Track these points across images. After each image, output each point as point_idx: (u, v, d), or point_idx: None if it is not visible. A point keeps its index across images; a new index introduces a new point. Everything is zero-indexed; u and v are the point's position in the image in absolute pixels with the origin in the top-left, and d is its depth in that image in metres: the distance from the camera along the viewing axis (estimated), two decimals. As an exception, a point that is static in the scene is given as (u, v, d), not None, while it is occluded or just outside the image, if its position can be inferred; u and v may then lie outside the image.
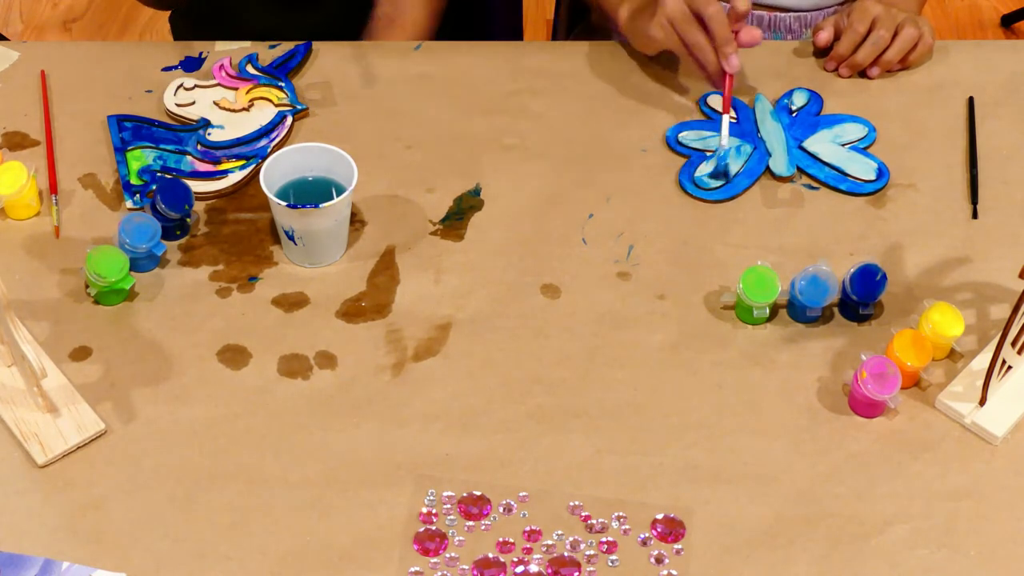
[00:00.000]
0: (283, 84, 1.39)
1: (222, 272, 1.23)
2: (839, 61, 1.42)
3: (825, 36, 1.43)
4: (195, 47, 1.44)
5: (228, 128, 1.35)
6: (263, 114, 1.37)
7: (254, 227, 1.27)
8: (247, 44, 1.45)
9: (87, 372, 1.15)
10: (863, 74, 1.43)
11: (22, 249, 1.25)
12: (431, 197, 1.30)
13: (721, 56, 1.32)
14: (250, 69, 1.41)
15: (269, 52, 1.44)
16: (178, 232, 1.26)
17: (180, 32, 1.69)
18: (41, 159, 1.32)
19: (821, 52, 1.45)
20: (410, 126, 1.37)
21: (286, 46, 1.44)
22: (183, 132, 1.35)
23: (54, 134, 1.35)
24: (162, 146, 1.33)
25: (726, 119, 1.33)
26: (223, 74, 1.40)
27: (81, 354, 1.16)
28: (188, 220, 1.25)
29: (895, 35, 1.40)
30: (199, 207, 1.28)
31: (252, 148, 1.34)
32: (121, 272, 1.18)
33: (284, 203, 1.18)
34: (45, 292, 1.21)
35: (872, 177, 1.31)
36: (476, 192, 1.31)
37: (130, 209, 1.27)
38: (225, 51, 1.44)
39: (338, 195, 1.20)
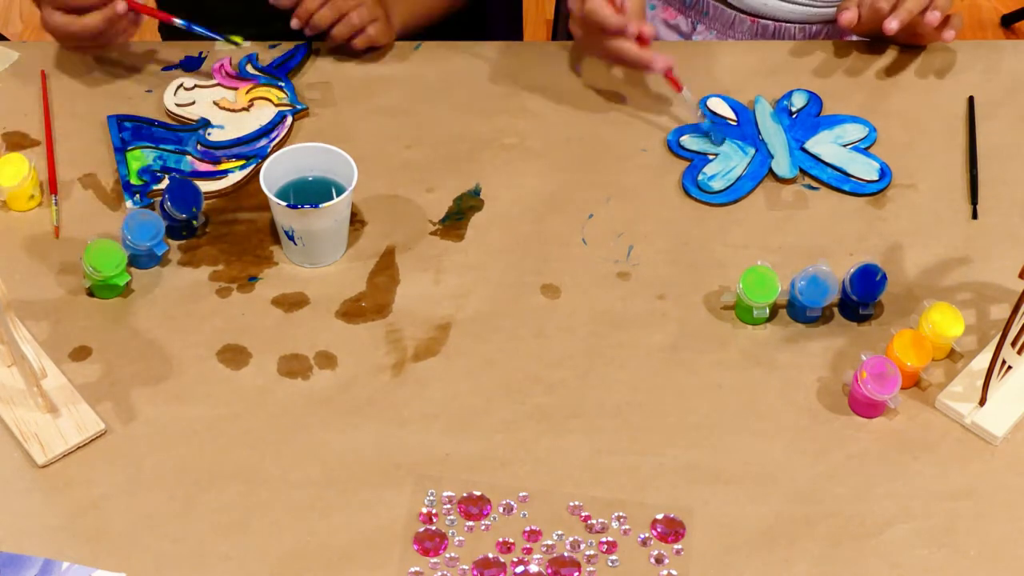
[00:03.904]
0: (283, 84, 1.39)
1: (222, 272, 1.23)
2: (859, 7, 1.36)
3: (850, 15, 1.36)
4: (195, 47, 1.44)
5: (228, 128, 1.35)
6: (263, 114, 1.37)
7: (254, 227, 1.27)
8: (247, 44, 1.44)
9: (87, 372, 1.15)
10: (890, 47, 1.40)
11: (22, 249, 1.25)
12: (431, 197, 1.30)
13: (649, 68, 1.32)
14: (250, 69, 1.41)
15: (269, 52, 1.44)
16: (184, 233, 1.26)
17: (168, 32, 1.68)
18: (41, 159, 1.32)
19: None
20: (410, 126, 1.37)
21: (286, 46, 1.44)
22: (183, 132, 1.35)
23: (54, 134, 1.35)
24: (162, 146, 1.33)
25: (686, 94, 1.35)
26: (223, 74, 1.40)
27: (81, 354, 1.16)
28: (195, 222, 1.25)
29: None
30: (199, 207, 1.28)
31: (252, 148, 1.34)
32: (117, 268, 1.18)
33: (284, 203, 1.18)
34: (45, 292, 1.21)
35: (875, 177, 1.31)
36: (476, 192, 1.31)
37: (130, 209, 1.27)
38: (225, 51, 1.44)
39: (338, 195, 1.20)
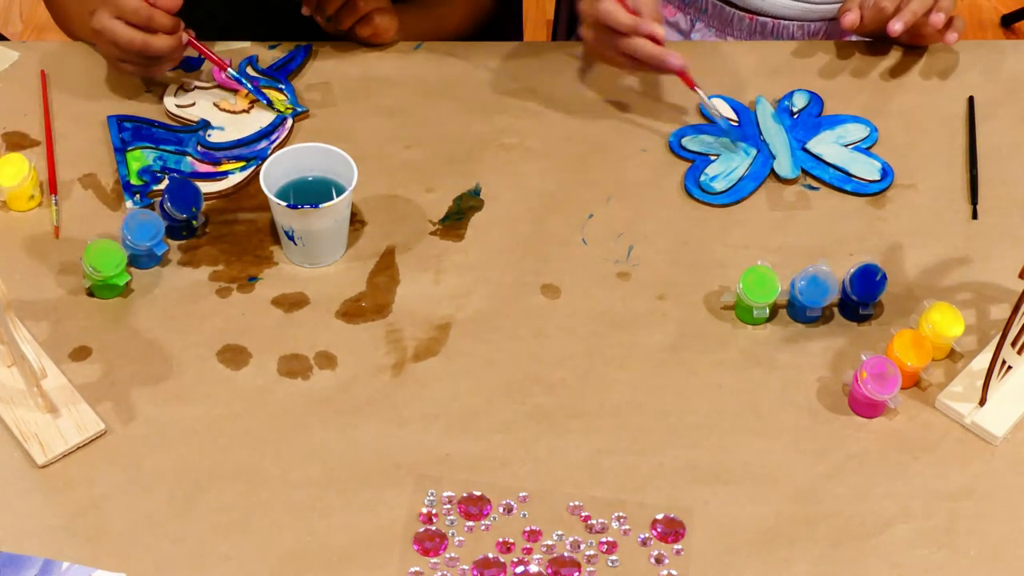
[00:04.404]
0: (283, 86, 1.39)
1: (222, 272, 1.23)
2: (883, 23, 1.35)
3: (852, 17, 1.36)
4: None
5: (228, 129, 1.35)
6: (263, 116, 1.36)
7: (254, 227, 1.27)
8: (246, 44, 1.45)
9: (87, 372, 1.15)
10: (893, 48, 1.41)
11: (22, 249, 1.25)
12: (431, 197, 1.30)
13: (662, 66, 1.31)
14: (250, 71, 1.41)
15: (268, 53, 1.44)
16: (184, 233, 1.26)
17: None
18: (41, 159, 1.32)
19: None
20: (410, 126, 1.37)
21: (287, 47, 1.44)
22: (183, 133, 1.35)
23: (54, 134, 1.35)
24: (162, 147, 1.33)
25: (701, 93, 1.34)
26: (223, 75, 1.40)
27: (81, 354, 1.16)
28: (195, 223, 1.25)
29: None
30: (199, 207, 1.28)
31: (252, 150, 1.33)
32: (117, 268, 1.18)
33: (284, 203, 1.18)
34: (45, 292, 1.21)
35: (877, 177, 1.31)
36: (476, 192, 1.31)
37: (130, 209, 1.27)
38: (224, 51, 1.44)
39: (338, 195, 1.20)
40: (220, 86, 1.39)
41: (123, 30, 1.29)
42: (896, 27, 1.34)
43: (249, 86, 1.36)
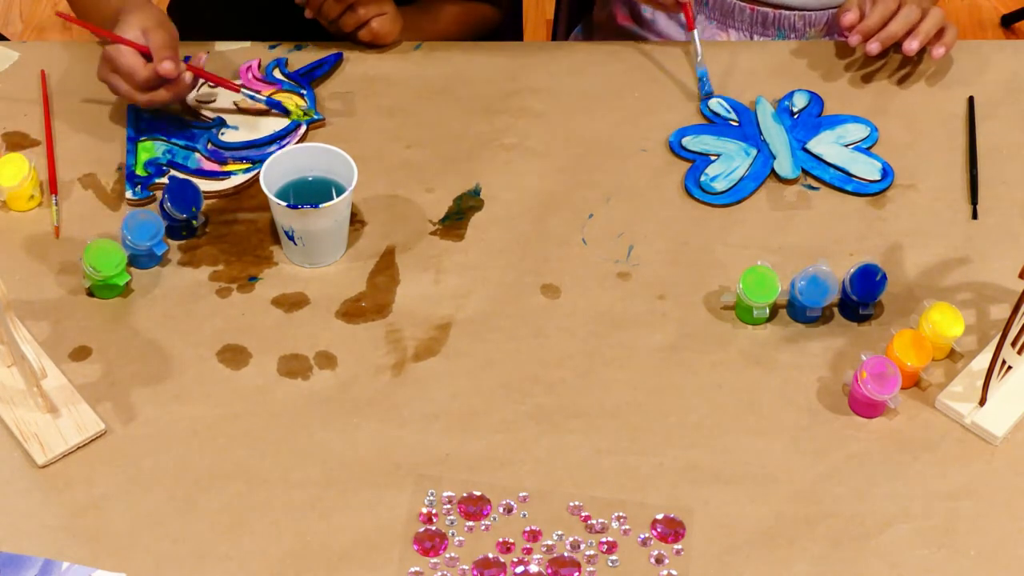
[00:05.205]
0: (305, 92, 1.39)
1: (222, 272, 1.23)
2: (867, 35, 1.39)
3: (851, 17, 1.39)
4: (197, 47, 1.44)
5: (242, 130, 1.35)
6: (279, 119, 1.36)
7: (254, 227, 1.27)
8: (247, 44, 1.45)
9: (87, 372, 1.15)
10: (893, 51, 1.42)
11: (22, 249, 1.25)
12: (431, 197, 1.30)
13: None
14: (277, 74, 1.41)
15: (295, 58, 1.43)
16: (184, 233, 1.26)
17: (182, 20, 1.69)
18: (41, 159, 1.32)
19: (831, 43, 1.45)
20: (410, 126, 1.37)
21: (286, 46, 1.44)
22: (197, 129, 1.35)
23: (54, 134, 1.35)
24: (173, 140, 1.33)
25: (695, 34, 1.40)
26: (249, 76, 1.40)
27: (81, 354, 1.16)
28: (195, 223, 1.25)
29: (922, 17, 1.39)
30: (199, 207, 1.28)
31: (261, 153, 1.33)
32: (117, 268, 1.18)
33: (284, 203, 1.18)
34: (45, 292, 1.21)
35: (877, 177, 1.31)
36: (476, 192, 1.31)
37: (129, 200, 1.27)
38: (223, 51, 1.44)
39: (338, 195, 1.20)
40: (244, 85, 1.38)
41: (124, 87, 1.29)
42: (912, 45, 1.38)
43: (263, 99, 1.36)
